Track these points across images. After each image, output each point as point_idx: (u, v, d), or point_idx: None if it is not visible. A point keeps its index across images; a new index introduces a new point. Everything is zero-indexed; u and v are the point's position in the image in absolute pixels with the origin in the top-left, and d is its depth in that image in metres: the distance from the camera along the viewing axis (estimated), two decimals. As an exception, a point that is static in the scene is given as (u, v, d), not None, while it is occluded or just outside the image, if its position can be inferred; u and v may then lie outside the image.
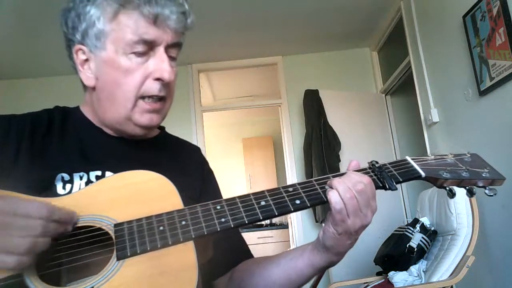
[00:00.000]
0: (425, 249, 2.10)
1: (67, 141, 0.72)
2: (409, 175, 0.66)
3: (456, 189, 0.67)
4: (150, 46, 0.69)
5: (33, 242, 0.47)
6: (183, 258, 0.55)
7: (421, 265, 2.09)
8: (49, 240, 0.49)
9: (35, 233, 0.47)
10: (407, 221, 3.11)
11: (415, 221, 2.20)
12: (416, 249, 2.07)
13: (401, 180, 0.65)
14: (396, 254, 2.14)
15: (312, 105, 3.44)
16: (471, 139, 2.18)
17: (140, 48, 0.68)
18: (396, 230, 2.34)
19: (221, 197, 0.85)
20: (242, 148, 5.83)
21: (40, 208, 0.49)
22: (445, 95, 2.46)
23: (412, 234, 2.12)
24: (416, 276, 2.05)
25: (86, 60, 0.71)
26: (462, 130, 2.28)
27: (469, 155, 0.72)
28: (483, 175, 0.67)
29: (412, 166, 0.67)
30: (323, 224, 0.64)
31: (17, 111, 0.75)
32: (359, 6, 3.07)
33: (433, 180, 0.66)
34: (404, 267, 2.11)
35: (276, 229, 5.16)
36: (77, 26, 0.70)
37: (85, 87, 0.77)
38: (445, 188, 0.67)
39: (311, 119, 3.43)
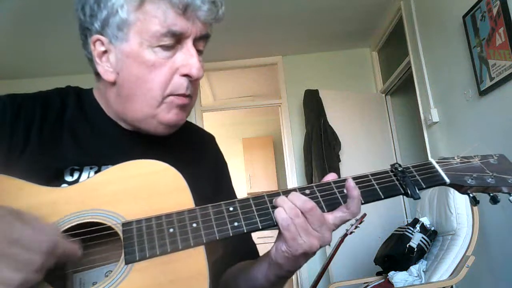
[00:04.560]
0: (425, 249, 2.10)
1: (79, 131, 0.68)
2: (433, 181, 0.61)
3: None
4: (177, 38, 0.63)
5: (28, 277, 0.44)
6: (193, 265, 0.53)
7: (421, 265, 2.09)
8: (44, 273, 0.46)
9: (32, 268, 0.44)
10: (407, 221, 3.11)
11: (415, 221, 2.20)
12: (416, 249, 2.07)
13: (424, 187, 0.61)
14: (396, 254, 2.14)
15: (312, 105, 3.44)
16: (471, 139, 2.18)
17: (167, 40, 0.62)
18: (396, 230, 2.34)
19: (233, 191, 0.82)
20: (242, 148, 5.83)
21: (43, 242, 0.46)
22: (445, 95, 2.47)
23: (412, 234, 2.12)
24: (416, 276, 2.05)
25: (105, 52, 0.65)
26: (462, 130, 2.28)
27: (496, 157, 0.68)
28: (510, 181, 0.63)
29: (436, 171, 0.63)
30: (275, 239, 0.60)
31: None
32: (359, 6, 3.07)
33: (458, 187, 0.63)
34: (404, 267, 2.11)
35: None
36: (96, 14, 0.63)
37: (97, 75, 0.70)
38: (468, 194, 0.64)
39: (311, 119, 3.43)
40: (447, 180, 0.62)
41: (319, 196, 0.59)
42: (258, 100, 4.77)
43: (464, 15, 2.08)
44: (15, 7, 2.60)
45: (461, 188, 0.63)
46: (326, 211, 0.58)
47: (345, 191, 0.58)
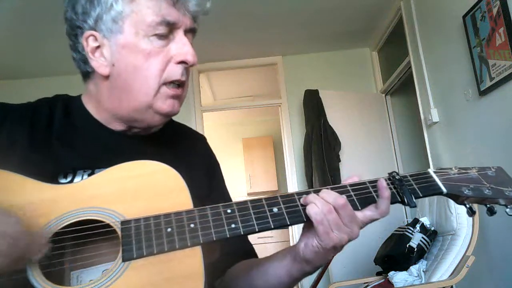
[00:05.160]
0: (425, 249, 2.10)
1: (69, 138, 0.69)
2: (430, 190, 0.63)
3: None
4: (170, 28, 0.66)
5: None
6: (189, 265, 0.53)
7: (421, 265, 2.09)
8: (13, 262, 0.46)
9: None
10: (407, 221, 3.11)
11: (415, 221, 2.20)
12: (416, 249, 2.07)
13: (421, 195, 0.62)
14: (396, 254, 2.14)
15: (312, 105, 3.44)
16: (471, 139, 2.18)
17: (162, 29, 0.65)
18: (396, 230, 2.34)
19: (227, 191, 0.83)
20: (242, 148, 5.83)
21: (9, 227, 0.47)
22: (445, 95, 2.47)
23: (412, 234, 2.13)
24: (416, 276, 2.05)
25: (98, 47, 0.67)
26: (462, 130, 2.28)
27: (493, 170, 0.69)
28: (506, 193, 0.64)
29: (434, 180, 0.64)
30: (301, 236, 0.62)
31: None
32: (359, 6, 3.07)
33: (455, 197, 0.64)
34: (404, 267, 2.11)
35: (276, 229, 5.15)
36: (88, 11, 0.65)
37: (85, 78, 0.73)
38: (465, 205, 0.64)
39: (311, 119, 3.43)
40: (444, 190, 0.63)
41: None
42: (258, 100, 4.77)
43: (464, 15, 2.08)
44: (15, 7, 2.60)
45: (458, 199, 0.64)
46: (360, 208, 0.60)
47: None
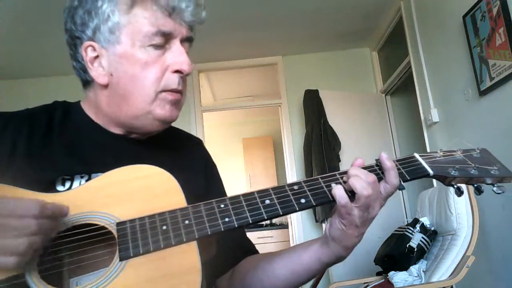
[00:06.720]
0: (425, 249, 2.10)
1: (68, 142, 0.69)
2: (417, 173, 0.64)
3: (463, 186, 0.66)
4: (166, 38, 0.68)
5: (30, 241, 0.47)
6: (186, 260, 0.54)
7: (421, 265, 2.09)
8: (45, 238, 0.49)
9: (30, 232, 0.47)
10: (407, 221, 3.11)
11: (415, 221, 2.20)
12: (416, 249, 2.07)
13: (408, 178, 0.64)
14: (396, 254, 2.14)
15: (312, 105, 3.44)
16: (471, 139, 2.18)
17: (158, 40, 0.67)
18: (396, 230, 2.34)
19: (224, 193, 0.84)
20: (242, 148, 5.84)
21: (31, 206, 0.48)
22: (445, 95, 2.47)
23: (412, 234, 2.12)
24: (416, 276, 2.05)
25: (97, 57, 0.68)
26: (462, 130, 2.28)
27: (478, 151, 0.71)
28: (492, 172, 0.66)
29: (420, 163, 0.66)
30: (329, 218, 0.63)
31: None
32: (359, 6, 3.07)
33: (442, 178, 0.65)
34: (404, 267, 2.11)
35: (276, 229, 5.16)
36: (87, 22, 0.67)
37: (85, 85, 0.74)
38: (453, 186, 0.66)
39: (311, 119, 3.43)
40: (431, 172, 0.64)
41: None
42: (258, 100, 4.78)
43: (464, 15, 2.08)
44: (15, 7, 2.60)
45: (445, 180, 0.65)
46: None
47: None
